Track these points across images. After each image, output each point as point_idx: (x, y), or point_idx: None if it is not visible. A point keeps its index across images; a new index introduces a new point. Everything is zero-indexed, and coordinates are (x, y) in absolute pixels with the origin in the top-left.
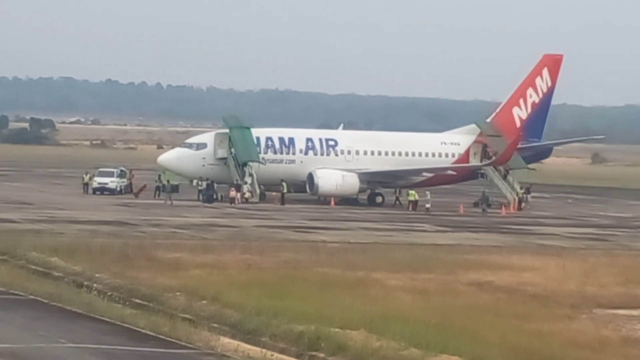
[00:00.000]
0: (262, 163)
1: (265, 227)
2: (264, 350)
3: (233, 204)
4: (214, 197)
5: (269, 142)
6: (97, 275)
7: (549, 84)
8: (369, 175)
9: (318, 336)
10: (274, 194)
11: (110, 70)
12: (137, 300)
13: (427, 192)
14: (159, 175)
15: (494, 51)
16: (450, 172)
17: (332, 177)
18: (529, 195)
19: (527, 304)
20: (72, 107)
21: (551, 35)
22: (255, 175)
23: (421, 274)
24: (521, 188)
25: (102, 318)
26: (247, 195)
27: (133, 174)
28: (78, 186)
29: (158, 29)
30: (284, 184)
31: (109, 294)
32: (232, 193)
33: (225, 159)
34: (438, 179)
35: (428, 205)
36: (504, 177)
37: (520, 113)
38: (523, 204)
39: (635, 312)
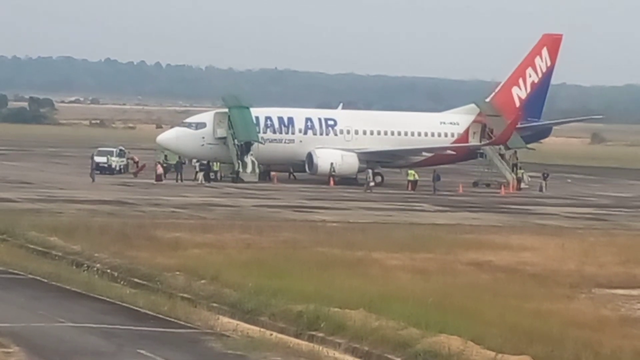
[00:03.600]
0: (261, 143)
1: (264, 207)
2: (263, 329)
3: (159, 181)
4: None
5: (268, 122)
6: (96, 254)
7: (549, 63)
8: (368, 155)
9: (317, 316)
10: (273, 173)
11: (109, 50)
12: (137, 280)
13: (369, 171)
14: (165, 156)
15: (493, 31)
16: (449, 151)
17: (332, 157)
18: (544, 182)
19: (526, 283)
20: (71, 86)
21: (550, 14)
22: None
23: (420, 253)
24: (544, 172)
25: (102, 297)
26: (200, 178)
27: (134, 157)
28: (77, 165)
29: (157, 8)
30: (239, 162)
31: (109, 273)
32: (159, 169)
33: (224, 138)
34: (437, 158)
35: (372, 184)
36: (515, 160)
37: (520, 93)
38: (523, 184)
39: (634, 292)
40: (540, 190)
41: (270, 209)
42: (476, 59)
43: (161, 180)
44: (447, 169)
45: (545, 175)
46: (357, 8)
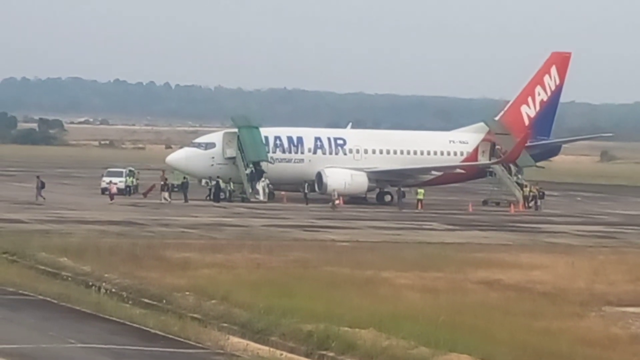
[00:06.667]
0: (270, 162)
1: (274, 227)
2: (273, 349)
3: (112, 201)
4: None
5: (278, 142)
6: (106, 275)
7: (557, 81)
8: (377, 174)
9: (327, 335)
10: (282, 193)
11: (118, 70)
12: (146, 300)
13: (334, 190)
14: (184, 177)
15: (502, 49)
16: (458, 170)
17: (341, 176)
18: (540, 201)
19: (536, 302)
20: (80, 107)
21: (559, 33)
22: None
23: (430, 272)
24: (539, 189)
25: (111, 318)
26: (166, 197)
27: (165, 177)
28: (87, 186)
29: (166, 29)
30: (218, 180)
31: (118, 293)
32: (113, 189)
33: (233, 158)
34: (447, 177)
35: (338, 202)
36: (536, 191)
37: (529, 111)
38: (532, 204)
39: None
40: (536, 209)
41: (280, 229)
42: (485, 78)
43: (112, 199)
44: (456, 188)
45: (541, 193)
46: (365, 28)
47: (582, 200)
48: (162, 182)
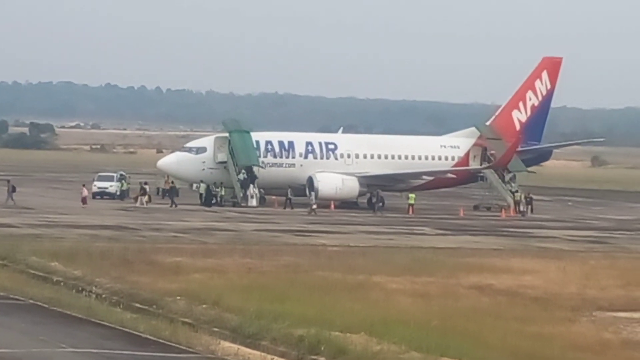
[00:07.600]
0: (261, 167)
1: (265, 231)
2: (264, 354)
3: (85, 204)
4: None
5: (269, 146)
6: (97, 279)
7: (549, 86)
8: (368, 178)
9: (318, 340)
10: (273, 198)
11: (109, 75)
12: (138, 305)
13: (312, 194)
14: (172, 182)
15: (494, 54)
16: (450, 175)
17: (332, 181)
18: (528, 206)
19: (528, 306)
20: (71, 111)
21: (550, 38)
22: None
23: (422, 277)
24: (527, 194)
25: (102, 322)
26: (146, 199)
27: (168, 181)
28: (78, 191)
29: (157, 33)
30: (202, 184)
31: (109, 298)
32: (84, 192)
33: (225, 162)
34: (438, 182)
35: (314, 207)
36: (527, 194)
37: (520, 116)
38: (522, 207)
39: (635, 315)
40: (523, 215)
41: (271, 233)
42: (477, 83)
43: (86, 203)
44: (447, 193)
45: (529, 199)
46: (357, 32)
47: (573, 205)
48: (140, 186)
